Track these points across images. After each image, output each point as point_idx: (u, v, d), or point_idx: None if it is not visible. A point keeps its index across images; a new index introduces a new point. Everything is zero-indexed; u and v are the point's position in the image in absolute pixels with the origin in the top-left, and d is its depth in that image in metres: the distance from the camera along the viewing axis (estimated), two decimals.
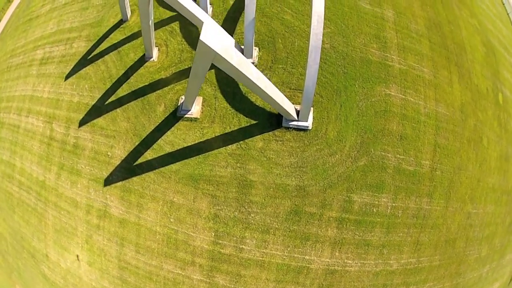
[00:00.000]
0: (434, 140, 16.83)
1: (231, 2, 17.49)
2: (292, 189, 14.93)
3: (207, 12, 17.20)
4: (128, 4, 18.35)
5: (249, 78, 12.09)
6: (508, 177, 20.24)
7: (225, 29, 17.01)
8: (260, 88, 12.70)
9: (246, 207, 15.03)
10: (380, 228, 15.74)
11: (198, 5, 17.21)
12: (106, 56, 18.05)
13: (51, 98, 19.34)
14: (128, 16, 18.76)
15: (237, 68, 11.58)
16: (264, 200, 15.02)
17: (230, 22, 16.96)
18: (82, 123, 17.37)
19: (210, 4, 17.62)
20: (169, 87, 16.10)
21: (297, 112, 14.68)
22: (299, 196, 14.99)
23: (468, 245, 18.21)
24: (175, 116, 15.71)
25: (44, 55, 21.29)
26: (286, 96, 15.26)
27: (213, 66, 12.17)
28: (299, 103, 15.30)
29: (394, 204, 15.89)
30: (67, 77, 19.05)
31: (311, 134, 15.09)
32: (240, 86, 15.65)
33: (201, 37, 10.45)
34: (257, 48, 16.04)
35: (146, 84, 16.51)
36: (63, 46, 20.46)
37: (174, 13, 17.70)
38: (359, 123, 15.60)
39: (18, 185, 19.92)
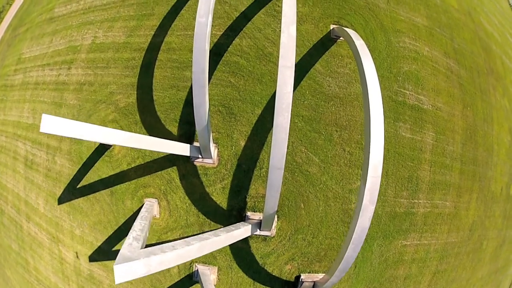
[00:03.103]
0: (435, 269, 15.50)
1: (242, 144, 12.44)
2: None
3: (211, 156, 12.36)
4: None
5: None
6: (499, 260, 19.46)
7: (235, 186, 12.94)
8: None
9: None
10: None
11: (191, 142, 12.39)
12: (97, 194, 13.77)
13: (49, 217, 15.87)
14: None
15: None
16: None
17: (241, 176, 12.37)
18: (92, 259, 14.82)
19: (214, 143, 12.56)
20: None
21: (314, 285, 12.82)
22: None
23: None
24: (191, 279, 13.56)
25: (27, 155, 16.31)
26: (303, 263, 13.01)
27: None
28: (315, 271, 13.18)
29: None
30: (60, 201, 15.08)
31: None
32: (257, 258, 12.97)
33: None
34: (276, 217, 12.37)
35: (153, 242, 13.45)
36: (45, 155, 15.38)
37: (166, 153, 12.74)
38: (369, 277, 13.76)
39: (36, 280, 18.45)
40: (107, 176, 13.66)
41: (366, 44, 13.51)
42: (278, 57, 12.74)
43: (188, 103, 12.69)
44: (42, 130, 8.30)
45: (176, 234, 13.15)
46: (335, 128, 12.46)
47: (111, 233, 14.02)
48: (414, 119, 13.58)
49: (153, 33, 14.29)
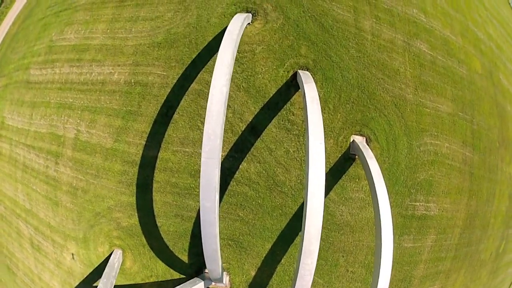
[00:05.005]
0: None
1: (253, 274, 12.02)
2: None
3: (223, 282, 12.14)
4: (119, 256, 12.33)
5: None
6: None
7: None
8: None
9: None
10: None
11: (202, 269, 12.30)
12: None
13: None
14: (120, 257, 12.87)
15: None
16: None
17: None
18: None
19: (226, 272, 12.12)
20: None
21: None
22: None
23: None
24: None
25: (31, 238, 15.62)
26: None
27: None
28: None
29: None
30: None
31: None
32: None
33: None
34: None
35: None
36: (51, 247, 14.69)
37: (179, 274, 12.39)
38: None
39: None
40: (122, 284, 13.80)
41: (387, 157, 12.22)
42: (290, 186, 11.55)
43: (195, 235, 11.87)
44: None
45: None
46: (341, 254, 12.27)
47: None
48: (418, 229, 13.35)
49: (144, 142, 12.13)
